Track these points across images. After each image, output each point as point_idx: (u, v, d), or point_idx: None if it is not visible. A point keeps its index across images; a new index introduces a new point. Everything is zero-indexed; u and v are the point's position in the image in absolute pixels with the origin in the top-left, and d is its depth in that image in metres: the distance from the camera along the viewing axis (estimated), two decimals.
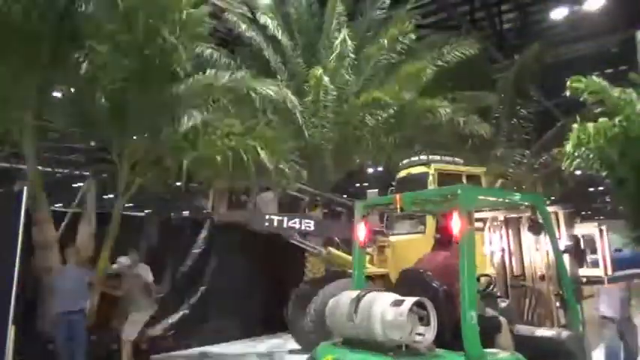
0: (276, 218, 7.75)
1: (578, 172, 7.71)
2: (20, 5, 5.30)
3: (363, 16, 10.63)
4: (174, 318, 8.16)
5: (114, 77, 5.71)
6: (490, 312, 3.56)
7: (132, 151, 6.43)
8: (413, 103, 9.51)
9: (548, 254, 4.11)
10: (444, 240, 3.53)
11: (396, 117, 9.68)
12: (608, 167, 5.41)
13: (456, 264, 3.06)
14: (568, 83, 5.49)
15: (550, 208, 4.14)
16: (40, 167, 6.73)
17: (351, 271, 4.07)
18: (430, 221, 7.17)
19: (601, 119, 5.06)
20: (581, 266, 5.11)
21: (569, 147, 5.18)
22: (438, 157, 8.89)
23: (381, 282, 7.63)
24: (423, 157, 8.93)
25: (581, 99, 5.57)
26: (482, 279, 3.84)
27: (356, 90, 9.93)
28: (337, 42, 9.11)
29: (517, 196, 3.78)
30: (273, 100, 8.08)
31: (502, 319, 3.47)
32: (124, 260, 6.70)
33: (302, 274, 9.88)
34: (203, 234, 8.93)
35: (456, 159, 9.08)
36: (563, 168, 5.67)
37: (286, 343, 8.73)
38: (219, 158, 6.04)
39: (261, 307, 9.48)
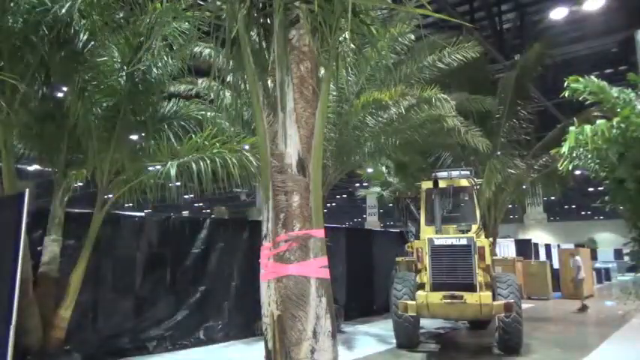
0: None
1: (577, 172, 7.75)
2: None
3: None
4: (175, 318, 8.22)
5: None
6: None
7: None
8: (412, 107, 9.47)
9: None
10: None
11: (397, 119, 9.64)
12: (607, 168, 5.43)
13: None
14: (566, 83, 5.51)
15: None
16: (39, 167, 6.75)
17: None
18: None
19: (599, 121, 5.08)
20: None
21: (565, 148, 5.20)
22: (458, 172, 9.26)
23: None
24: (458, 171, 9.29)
25: (580, 99, 5.60)
26: None
27: (356, 90, 9.93)
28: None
29: None
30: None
31: None
32: None
33: None
34: (203, 234, 8.98)
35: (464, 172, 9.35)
36: (560, 168, 5.69)
37: None
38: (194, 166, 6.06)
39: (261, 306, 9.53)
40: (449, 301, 7.36)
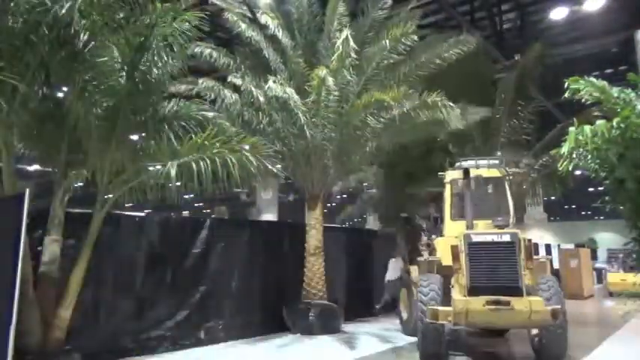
0: None
1: (577, 172, 7.75)
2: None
3: (364, 16, 10.62)
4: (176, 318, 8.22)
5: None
6: None
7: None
8: (414, 109, 9.47)
9: None
10: None
11: (398, 120, 9.65)
12: (607, 168, 5.43)
13: None
14: (567, 84, 5.51)
15: None
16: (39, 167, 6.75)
17: None
18: None
19: (599, 121, 5.08)
20: None
21: (565, 149, 5.20)
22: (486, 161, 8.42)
23: None
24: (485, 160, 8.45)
25: (580, 99, 5.60)
26: None
27: (357, 90, 9.93)
28: (339, 42, 9.07)
29: None
30: (279, 99, 8.81)
31: None
32: None
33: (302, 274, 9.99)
34: (203, 234, 8.97)
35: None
36: (560, 169, 5.69)
37: (286, 342, 8.78)
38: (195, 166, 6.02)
39: (261, 306, 9.59)
40: (493, 307, 6.29)
